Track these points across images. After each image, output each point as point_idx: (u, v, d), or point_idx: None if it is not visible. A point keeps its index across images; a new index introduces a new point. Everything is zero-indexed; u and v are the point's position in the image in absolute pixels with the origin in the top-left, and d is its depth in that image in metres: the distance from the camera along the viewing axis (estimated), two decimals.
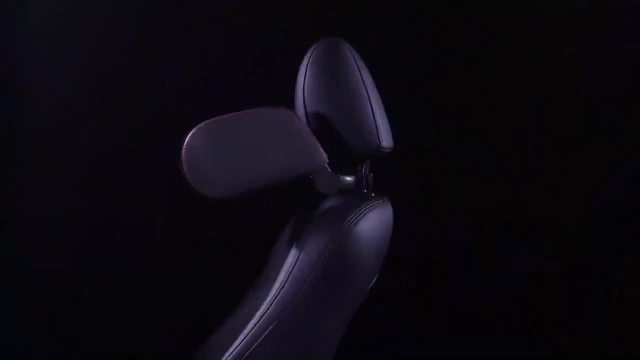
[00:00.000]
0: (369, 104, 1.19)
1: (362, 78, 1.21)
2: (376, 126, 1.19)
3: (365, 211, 1.12)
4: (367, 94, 1.20)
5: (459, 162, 1.98)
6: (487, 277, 1.98)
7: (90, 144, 2.02)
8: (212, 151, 1.10)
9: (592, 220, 1.97)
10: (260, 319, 1.09)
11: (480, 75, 1.99)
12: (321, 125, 1.18)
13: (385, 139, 1.21)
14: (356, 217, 1.10)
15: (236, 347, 1.09)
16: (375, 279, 1.22)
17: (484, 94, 1.99)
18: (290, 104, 1.27)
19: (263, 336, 1.08)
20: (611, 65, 1.96)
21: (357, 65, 1.21)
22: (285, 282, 1.09)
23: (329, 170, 1.12)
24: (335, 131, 1.18)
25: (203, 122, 1.11)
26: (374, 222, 1.13)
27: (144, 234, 2.02)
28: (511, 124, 1.99)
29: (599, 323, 1.98)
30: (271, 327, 1.08)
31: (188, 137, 1.11)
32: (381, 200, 1.20)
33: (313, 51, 1.22)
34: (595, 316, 1.99)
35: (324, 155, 1.12)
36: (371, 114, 1.19)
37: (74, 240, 2.02)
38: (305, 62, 1.23)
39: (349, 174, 1.22)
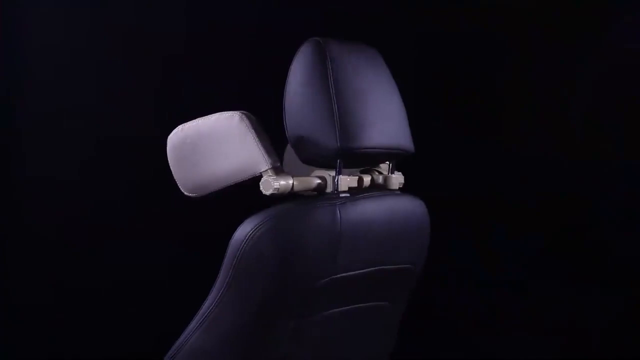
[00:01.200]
0: (333, 104, 1.19)
1: (331, 77, 1.20)
2: (337, 127, 1.19)
3: (288, 212, 1.15)
4: (333, 93, 1.20)
5: (460, 162, 1.99)
6: (486, 278, 1.98)
7: (90, 144, 2.02)
8: (180, 155, 1.23)
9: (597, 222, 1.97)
10: (200, 311, 1.20)
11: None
12: (294, 128, 1.20)
13: (356, 139, 1.19)
14: (277, 215, 1.14)
15: (181, 340, 1.21)
16: (331, 277, 1.20)
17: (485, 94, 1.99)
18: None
19: (198, 326, 1.20)
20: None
21: (329, 65, 1.20)
22: (218, 277, 1.18)
23: (272, 173, 1.17)
24: (300, 134, 1.20)
25: (179, 126, 1.21)
26: (291, 223, 1.15)
27: (144, 235, 2.02)
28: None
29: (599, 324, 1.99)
30: (203, 318, 1.19)
31: (167, 140, 1.23)
32: (338, 202, 1.18)
33: (297, 53, 1.24)
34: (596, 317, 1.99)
35: (269, 159, 1.17)
36: (334, 115, 1.18)
37: (75, 241, 2.03)
38: (292, 64, 1.25)
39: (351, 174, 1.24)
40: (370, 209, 1.21)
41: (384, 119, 1.23)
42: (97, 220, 2.02)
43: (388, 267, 1.25)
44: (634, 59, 1.93)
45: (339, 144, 1.17)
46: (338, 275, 1.18)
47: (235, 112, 1.21)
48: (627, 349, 1.97)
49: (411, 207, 1.27)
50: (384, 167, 1.34)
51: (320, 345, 1.25)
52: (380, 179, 1.30)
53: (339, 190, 1.21)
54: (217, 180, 1.21)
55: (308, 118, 1.19)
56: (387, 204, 1.24)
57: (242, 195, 1.25)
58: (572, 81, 1.97)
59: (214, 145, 1.21)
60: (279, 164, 1.18)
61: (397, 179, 1.30)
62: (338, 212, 1.16)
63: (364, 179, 1.27)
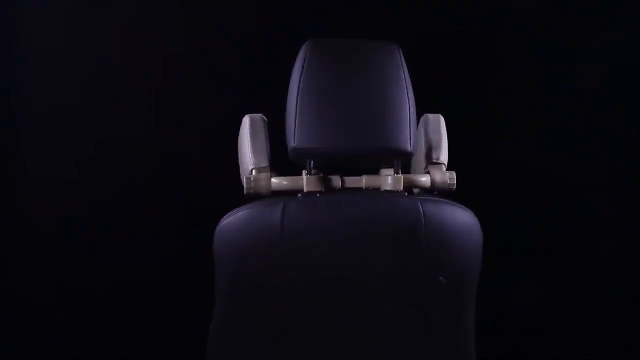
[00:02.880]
0: (295, 105, 1.21)
1: (300, 78, 1.22)
2: (295, 128, 1.20)
3: (239, 212, 1.20)
4: (298, 94, 1.22)
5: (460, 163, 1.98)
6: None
7: (90, 144, 2.02)
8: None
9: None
10: None
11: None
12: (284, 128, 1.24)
13: (311, 140, 1.21)
14: (233, 214, 1.20)
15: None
16: (288, 278, 1.22)
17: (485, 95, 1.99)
18: None
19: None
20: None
21: (303, 65, 1.23)
22: None
23: (254, 173, 1.23)
24: (283, 133, 1.24)
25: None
26: (246, 220, 1.19)
27: (144, 236, 2.02)
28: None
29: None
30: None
31: None
32: (286, 202, 1.21)
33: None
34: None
35: (254, 159, 1.24)
36: (294, 115, 1.21)
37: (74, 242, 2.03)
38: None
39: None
40: (326, 209, 1.20)
41: (359, 119, 1.22)
42: (97, 220, 2.02)
43: (378, 270, 1.22)
44: (633, 59, 1.94)
45: (294, 145, 1.20)
46: (299, 274, 1.20)
47: (249, 114, 1.27)
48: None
49: (396, 209, 1.22)
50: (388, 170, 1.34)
51: (323, 344, 1.26)
52: (376, 180, 1.26)
53: (306, 190, 1.22)
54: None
55: (286, 119, 1.24)
56: (357, 204, 1.22)
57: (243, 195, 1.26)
58: (573, 81, 1.97)
59: (240, 146, 1.28)
60: (265, 164, 1.22)
61: (395, 180, 1.24)
62: (281, 211, 1.18)
63: (346, 180, 1.26)
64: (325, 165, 1.26)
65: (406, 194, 1.24)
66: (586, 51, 1.96)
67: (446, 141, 1.27)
